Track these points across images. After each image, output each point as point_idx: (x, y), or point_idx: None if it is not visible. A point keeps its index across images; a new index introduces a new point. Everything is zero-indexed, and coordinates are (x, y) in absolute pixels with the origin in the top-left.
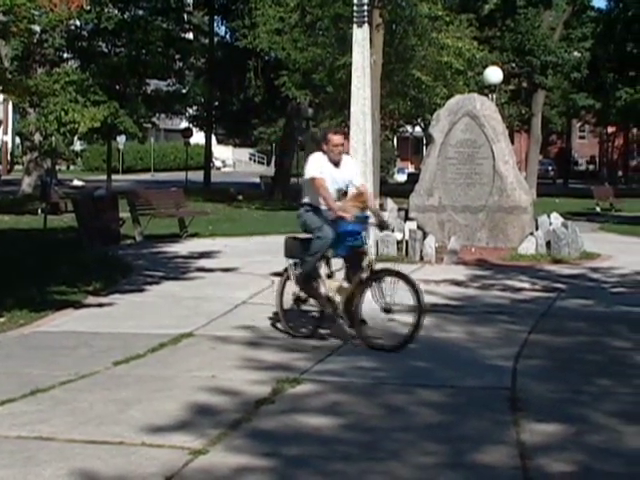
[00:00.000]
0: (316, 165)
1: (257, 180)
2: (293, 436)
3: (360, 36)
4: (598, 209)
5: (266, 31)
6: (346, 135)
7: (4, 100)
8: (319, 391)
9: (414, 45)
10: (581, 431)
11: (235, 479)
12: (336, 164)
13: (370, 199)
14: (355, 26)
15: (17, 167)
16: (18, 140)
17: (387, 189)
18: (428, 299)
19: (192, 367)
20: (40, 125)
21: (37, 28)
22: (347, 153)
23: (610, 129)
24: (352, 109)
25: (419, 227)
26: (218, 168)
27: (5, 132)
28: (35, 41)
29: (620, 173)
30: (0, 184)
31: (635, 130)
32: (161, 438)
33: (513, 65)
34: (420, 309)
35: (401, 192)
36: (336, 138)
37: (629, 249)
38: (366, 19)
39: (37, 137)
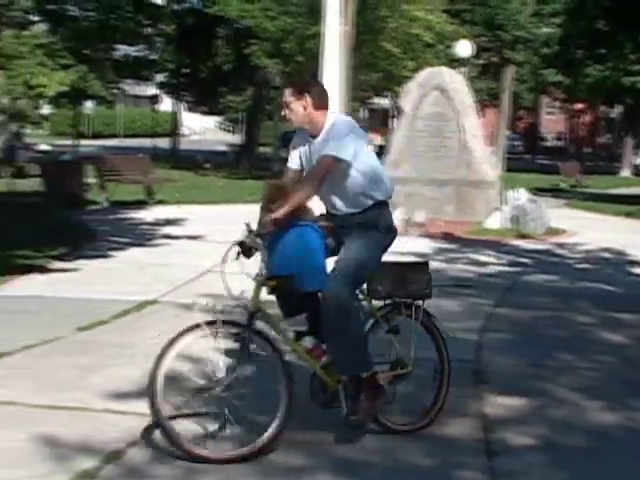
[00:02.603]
0: (293, 144)
1: (224, 148)
2: None
3: (332, 6)
4: (563, 185)
5: None
6: (303, 89)
7: None
8: None
9: (385, 16)
10: (543, 405)
11: None
12: (314, 135)
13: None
14: None
15: None
16: None
17: None
18: None
19: (155, 334)
20: (7, 88)
21: None
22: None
23: (578, 106)
24: (323, 80)
25: None
26: (185, 136)
27: None
28: (3, 2)
29: (587, 150)
30: None
31: (603, 107)
32: (124, 404)
33: (483, 39)
34: None
35: None
36: (284, 98)
37: (594, 225)
38: None
39: (4, 100)
